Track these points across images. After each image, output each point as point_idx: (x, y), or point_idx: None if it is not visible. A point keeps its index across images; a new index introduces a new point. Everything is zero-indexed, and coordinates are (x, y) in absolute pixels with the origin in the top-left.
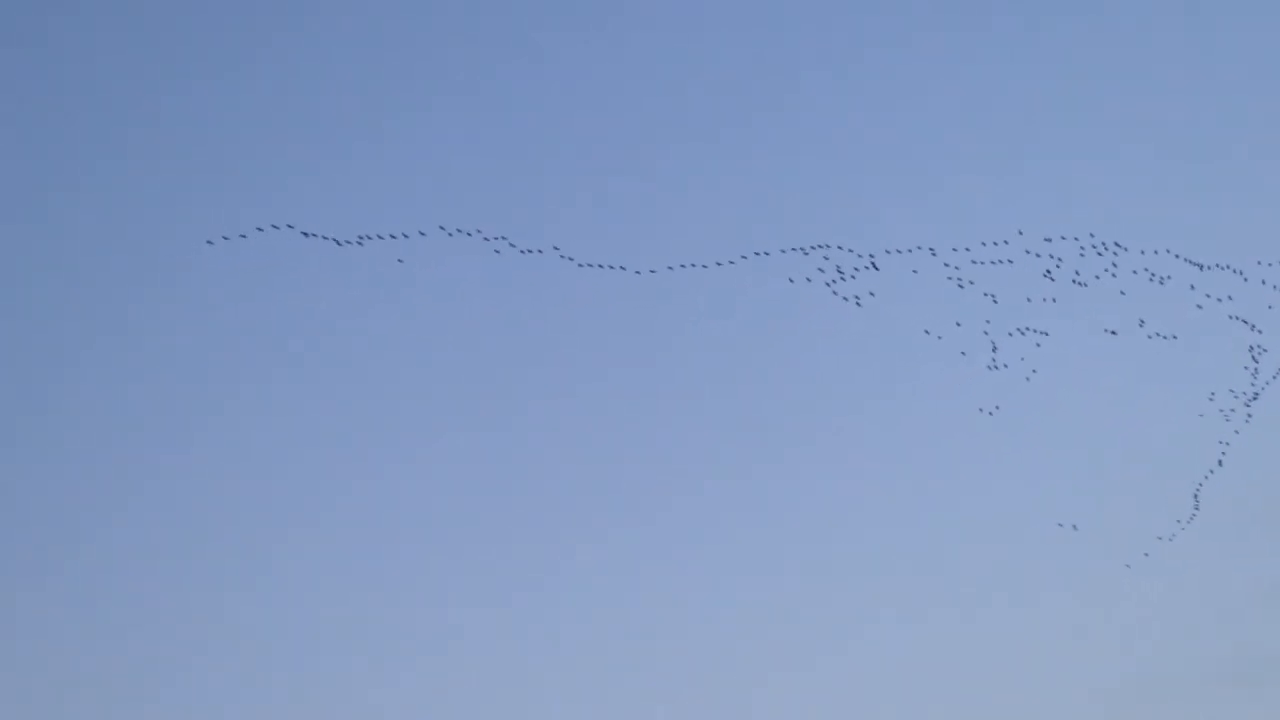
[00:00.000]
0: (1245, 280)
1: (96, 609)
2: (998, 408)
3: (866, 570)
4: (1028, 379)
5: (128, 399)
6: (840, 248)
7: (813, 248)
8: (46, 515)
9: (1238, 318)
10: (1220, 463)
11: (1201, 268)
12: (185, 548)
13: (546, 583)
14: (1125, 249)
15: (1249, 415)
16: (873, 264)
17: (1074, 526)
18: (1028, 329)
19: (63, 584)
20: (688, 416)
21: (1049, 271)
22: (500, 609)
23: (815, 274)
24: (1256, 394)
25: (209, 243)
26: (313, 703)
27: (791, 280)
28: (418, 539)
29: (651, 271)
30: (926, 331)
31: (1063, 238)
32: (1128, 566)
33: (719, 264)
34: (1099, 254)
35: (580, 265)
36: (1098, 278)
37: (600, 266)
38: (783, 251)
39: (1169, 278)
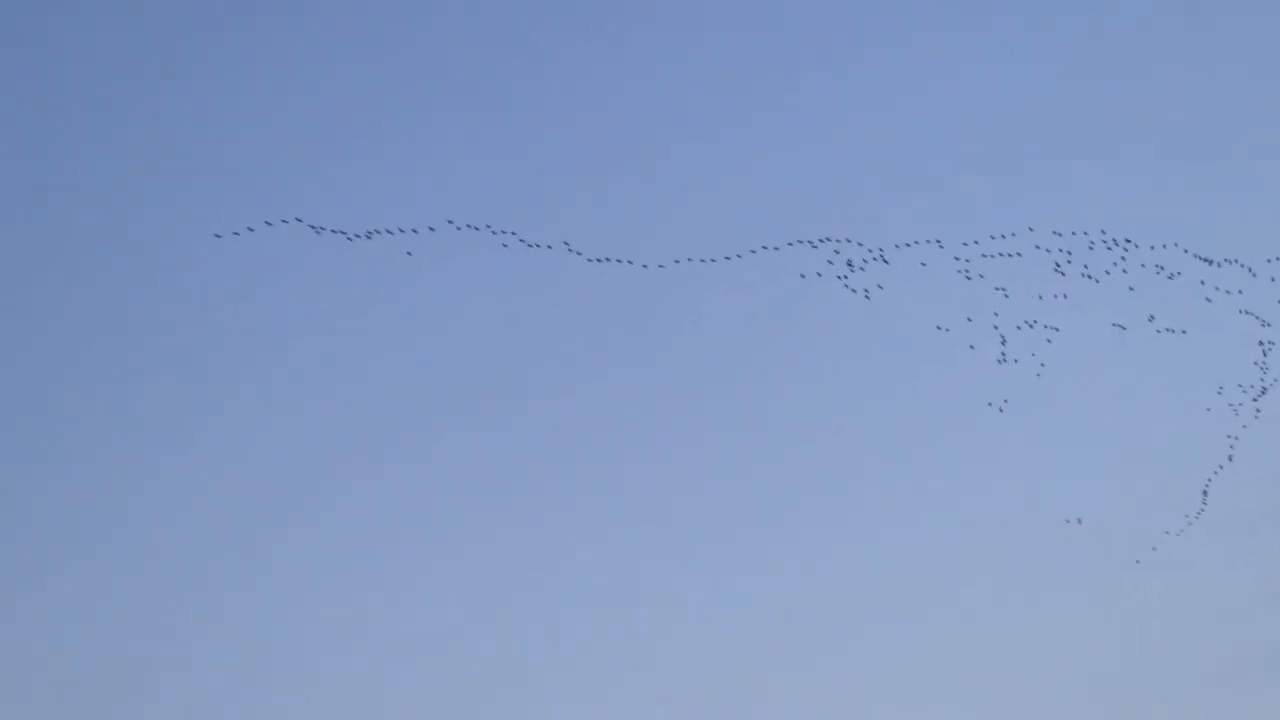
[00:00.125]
0: (1254, 276)
1: (96, 609)
2: (1006, 402)
3: (870, 568)
4: (1037, 374)
5: (129, 398)
6: (849, 241)
7: (821, 241)
8: (46, 515)
9: (1248, 312)
10: (1230, 458)
11: (1211, 263)
12: (185, 548)
13: (546, 583)
14: (1135, 245)
15: (1258, 410)
16: (882, 257)
17: (1079, 521)
18: (1037, 323)
19: (63, 584)
20: (691, 415)
21: (1059, 266)
22: (500, 609)
23: (825, 268)
24: (1265, 389)
25: (217, 236)
26: (313, 703)
27: (803, 276)
28: (418, 539)
29: (660, 266)
30: (937, 326)
31: (1073, 233)
32: (1137, 562)
33: (727, 258)
34: (1108, 248)
35: (589, 260)
36: (1108, 273)
37: (609, 261)
38: (790, 245)
39: (1179, 273)
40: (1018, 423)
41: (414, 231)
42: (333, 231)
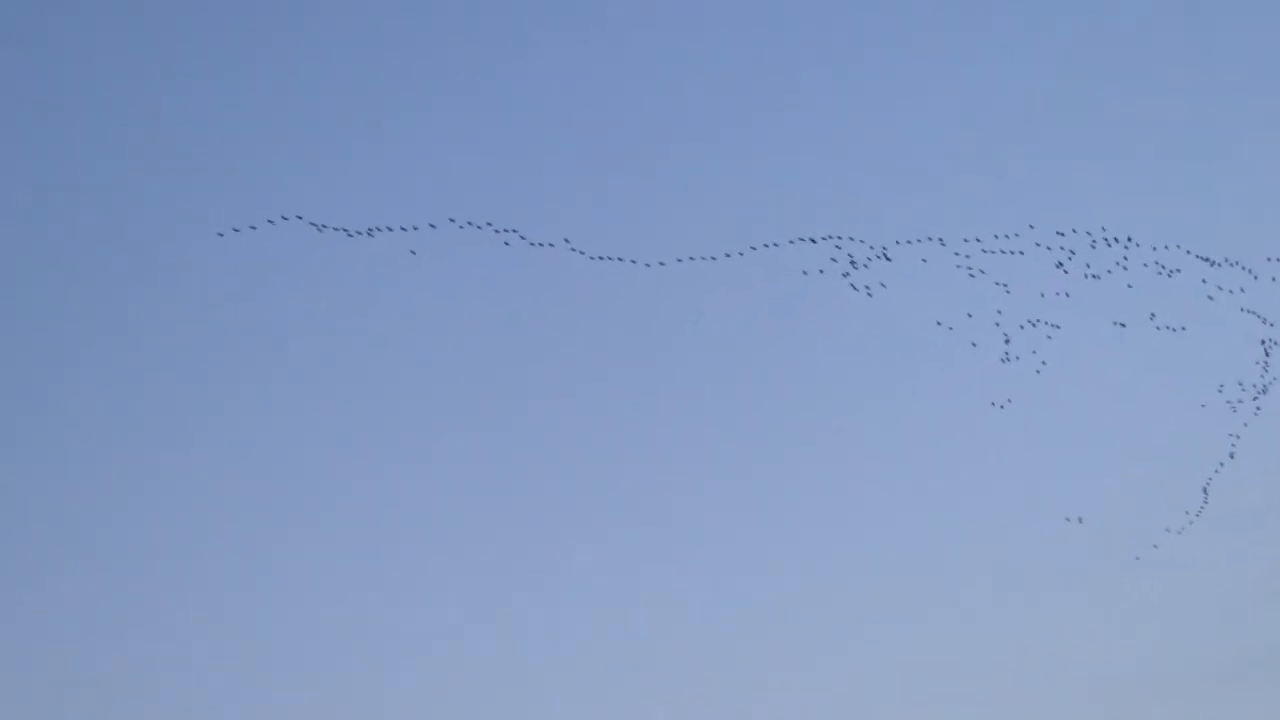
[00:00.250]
0: (1255, 279)
1: (96, 609)
2: (1010, 401)
3: (870, 568)
4: (1038, 372)
5: (129, 398)
6: (851, 238)
7: (823, 238)
8: (46, 515)
9: (1249, 310)
10: (1231, 455)
11: (1211, 263)
12: (185, 548)
13: (546, 583)
14: (1137, 244)
15: (1258, 408)
16: (884, 255)
17: (1079, 520)
18: (1039, 320)
19: (63, 584)
20: (692, 415)
21: (1061, 264)
22: (500, 609)
23: (827, 265)
24: (1266, 387)
25: (219, 234)
26: (313, 702)
27: (805, 273)
28: (418, 539)
29: (661, 264)
30: (938, 323)
31: (1074, 231)
32: (1138, 559)
33: (728, 256)
34: (1108, 246)
35: (590, 258)
36: (1110, 271)
37: (610, 259)
38: (790, 243)
39: (1178, 270)
40: (1018, 421)
41: (415, 230)
42: (335, 230)
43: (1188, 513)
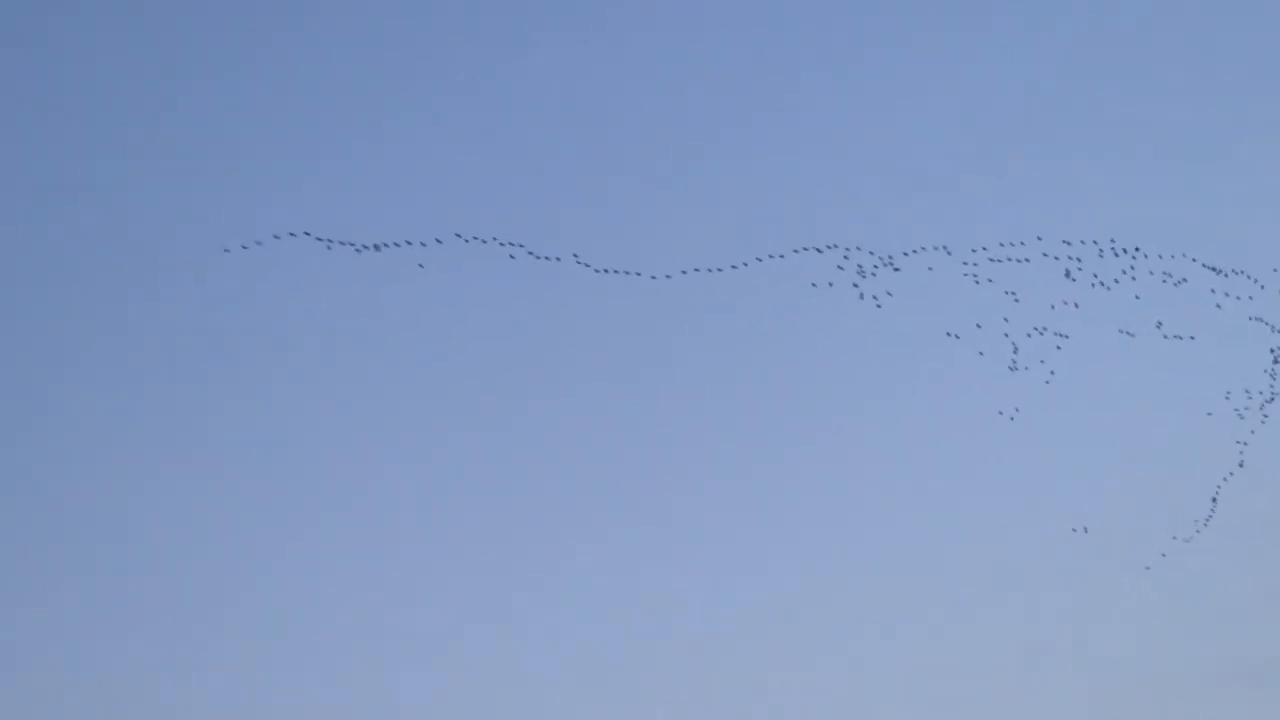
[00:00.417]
0: (1263, 287)
1: (96, 609)
2: (1018, 410)
3: (873, 572)
4: (1047, 382)
5: (136, 414)
6: (858, 248)
7: (828, 247)
8: (46, 515)
9: (1257, 318)
10: (1241, 464)
11: (1219, 272)
12: (186, 548)
13: (546, 583)
14: (1145, 255)
15: (1265, 416)
16: (891, 264)
17: (1085, 530)
18: (1047, 330)
19: (63, 584)
20: (701, 425)
21: (1069, 272)
22: (500, 609)
23: (835, 275)
24: (1274, 395)
25: (225, 250)
26: (313, 703)
27: (814, 285)
28: (417, 539)
29: (668, 276)
30: (947, 333)
31: (1081, 241)
32: (1147, 569)
33: (734, 267)
34: (1116, 255)
35: (597, 271)
36: (1117, 280)
37: (617, 272)
38: (796, 252)
39: (1185, 280)
40: (1026, 430)
41: (422, 244)
42: (341, 244)
43: (1196, 521)
